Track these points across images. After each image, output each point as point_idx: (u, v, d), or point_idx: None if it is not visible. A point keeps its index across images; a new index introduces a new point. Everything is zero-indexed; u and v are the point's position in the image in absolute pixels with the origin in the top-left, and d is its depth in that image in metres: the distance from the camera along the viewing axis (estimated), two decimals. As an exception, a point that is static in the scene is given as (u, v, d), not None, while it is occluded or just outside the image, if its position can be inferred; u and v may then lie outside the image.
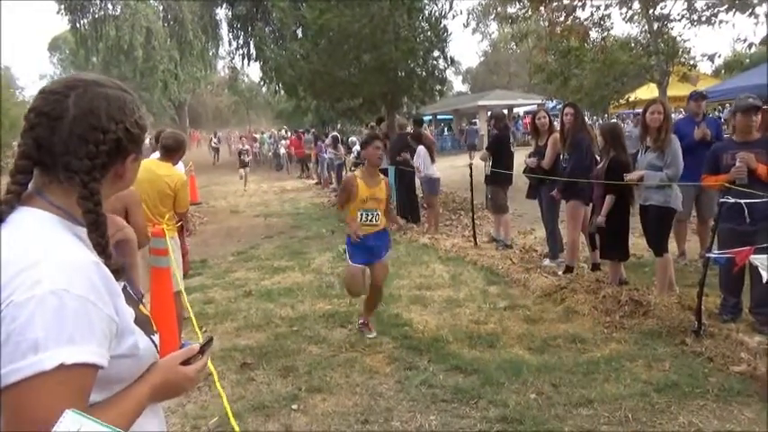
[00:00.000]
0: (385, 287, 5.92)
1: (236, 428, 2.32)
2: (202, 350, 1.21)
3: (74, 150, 1.02)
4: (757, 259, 3.91)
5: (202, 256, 8.15)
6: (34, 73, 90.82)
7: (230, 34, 27.66)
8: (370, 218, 4.45)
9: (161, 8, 35.41)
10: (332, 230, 9.72)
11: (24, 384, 0.85)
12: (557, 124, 7.02)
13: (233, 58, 31.22)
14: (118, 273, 1.06)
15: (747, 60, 22.34)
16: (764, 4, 11.09)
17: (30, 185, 1.05)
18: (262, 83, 28.31)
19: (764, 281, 3.95)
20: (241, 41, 26.84)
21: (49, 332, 0.86)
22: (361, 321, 4.79)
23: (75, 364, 0.87)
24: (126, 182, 1.17)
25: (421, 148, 8.83)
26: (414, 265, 6.85)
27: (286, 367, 4.11)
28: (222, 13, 28.10)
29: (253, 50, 25.98)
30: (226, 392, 3.72)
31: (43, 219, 1.02)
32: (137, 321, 1.07)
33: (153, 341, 1.13)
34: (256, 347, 4.50)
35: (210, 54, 37.64)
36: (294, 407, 3.53)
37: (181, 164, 6.85)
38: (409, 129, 10.87)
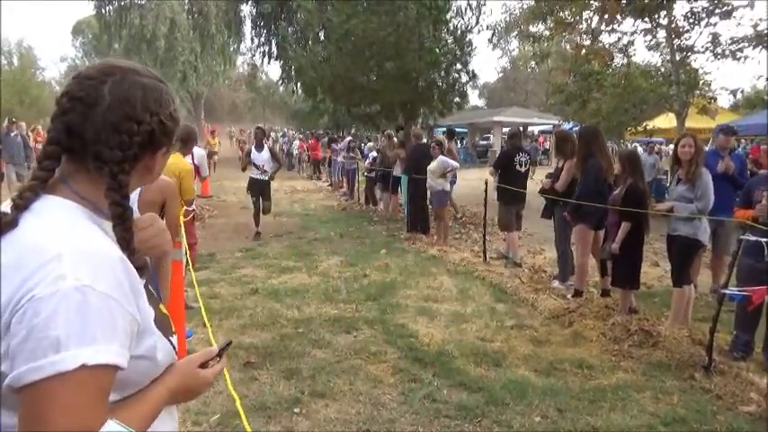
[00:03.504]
0: (392, 296, 5.95)
1: (248, 428, 2.29)
2: (220, 353, 1.20)
3: (105, 139, 0.98)
4: (774, 299, 3.88)
5: (210, 250, 8.15)
6: (56, 54, 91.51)
7: (253, 31, 27.90)
8: None
9: (186, 0, 35.70)
10: (341, 234, 9.71)
11: (44, 383, 0.82)
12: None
13: (254, 55, 31.49)
14: (141, 270, 1.03)
15: (765, 97, 22.29)
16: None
17: (56, 173, 1.01)
18: (280, 82, 28.49)
19: (780, 321, 3.93)
20: (263, 39, 27.04)
21: (72, 330, 0.84)
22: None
23: (96, 365, 0.85)
24: (154, 175, 1.14)
25: (443, 158, 8.82)
26: (422, 275, 6.82)
27: (290, 369, 4.08)
28: (247, 9, 28.33)
29: (274, 49, 26.15)
30: (229, 390, 3.71)
31: (68, 208, 0.99)
32: (156, 321, 1.05)
33: (171, 343, 1.10)
34: (261, 347, 4.48)
35: (231, 49, 37.84)
36: (296, 410, 3.50)
37: (203, 152, 7.01)
38: (425, 140, 10.89)
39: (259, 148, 9.11)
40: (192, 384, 1.13)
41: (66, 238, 0.91)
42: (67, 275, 0.86)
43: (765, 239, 4.01)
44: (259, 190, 9.02)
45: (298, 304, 5.63)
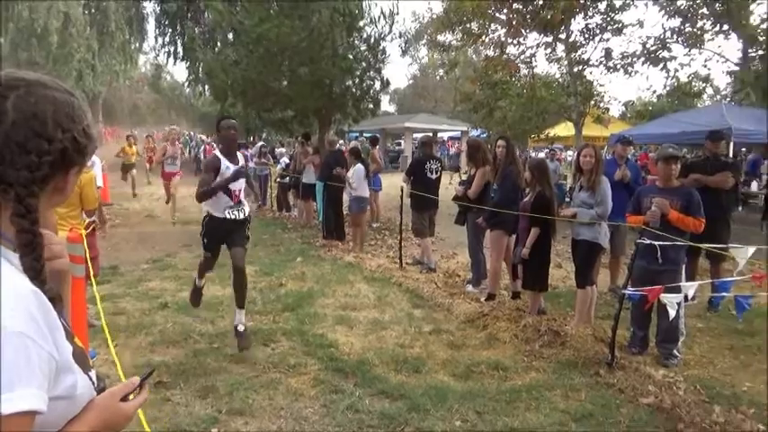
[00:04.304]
0: (310, 306, 5.86)
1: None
2: (141, 384, 1.13)
3: (10, 160, 0.89)
4: (666, 298, 4.21)
5: (112, 262, 7.66)
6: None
7: (157, 30, 26.60)
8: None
9: (83, -7, 33.53)
10: (254, 242, 9.46)
11: None
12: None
13: (158, 55, 30.20)
14: (53, 302, 0.95)
15: (650, 108, 24.32)
16: (675, 61, 12.13)
17: None
18: (187, 83, 27.43)
19: (671, 318, 4.27)
20: (168, 39, 25.87)
21: None
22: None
23: (12, 414, 0.78)
24: (65, 196, 1.05)
25: (360, 167, 8.84)
26: (339, 283, 6.79)
27: (205, 387, 3.91)
28: (150, 7, 27.07)
29: (180, 49, 25.13)
30: (137, 416, 3.49)
31: None
32: (74, 356, 0.97)
33: (90, 378, 1.02)
34: (173, 365, 4.26)
35: (133, 48, 35.99)
36: (214, 431, 3.36)
37: (97, 159, 6.49)
38: (338, 146, 10.90)
39: (232, 157, 4.73)
40: (113, 420, 1.05)
41: None
42: None
43: (658, 243, 4.34)
44: (225, 235, 4.78)
45: (211, 318, 5.42)
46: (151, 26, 28.21)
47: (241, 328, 4.62)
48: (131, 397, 1.11)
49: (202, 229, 4.89)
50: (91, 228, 5.17)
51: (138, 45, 34.96)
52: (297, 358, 4.49)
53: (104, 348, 4.53)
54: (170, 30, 25.36)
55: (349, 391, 3.94)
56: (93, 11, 32.60)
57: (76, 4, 33.32)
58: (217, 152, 4.80)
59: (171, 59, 26.46)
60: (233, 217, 4.66)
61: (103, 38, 33.63)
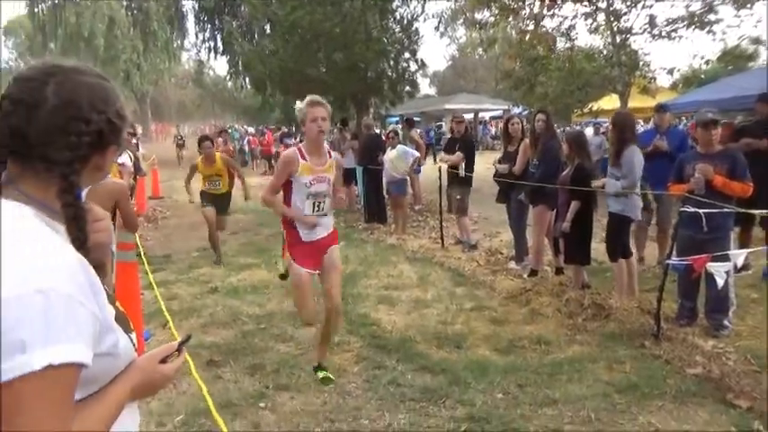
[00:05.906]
0: (353, 286, 5.97)
1: (220, 421, 2.29)
2: (179, 348, 1.22)
3: (53, 141, 0.98)
4: (713, 267, 4.09)
5: (165, 251, 8.00)
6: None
7: (197, 26, 27.22)
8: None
9: (124, -3, 34.55)
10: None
11: (14, 384, 0.83)
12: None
13: (199, 51, 30.88)
14: (96, 269, 1.04)
15: (702, 76, 23.24)
16: (722, 23, 11.56)
17: (2, 175, 1.01)
18: (228, 77, 27.98)
19: (719, 287, 4.15)
20: (208, 34, 26.44)
21: (37, 332, 0.85)
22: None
23: (62, 364, 0.86)
24: (104, 174, 1.15)
25: (403, 147, 8.93)
26: (381, 264, 6.87)
27: (253, 365, 4.07)
28: (189, 4, 27.67)
29: (220, 44, 25.65)
30: (192, 390, 3.68)
31: (20, 211, 0.98)
32: (116, 319, 1.06)
33: (131, 339, 1.11)
34: (223, 345, 4.45)
35: (175, 46, 36.93)
36: (262, 405, 3.50)
37: (127, 157, 6.71)
38: (376, 129, 10.95)
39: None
40: (154, 379, 1.15)
41: (23, 242, 0.92)
42: (29, 278, 0.87)
43: (703, 210, 4.21)
44: None
45: (259, 301, 5.60)
46: (191, 23, 28.89)
47: None
48: (171, 360, 1.20)
49: None
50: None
51: (179, 42, 35.85)
52: (340, 336, 4.60)
53: (159, 330, 4.78)
54: (209, 25, 25.90)
55: (391, 367, 4.03)
56: (135, 12, 33.55)
57: (119, 6, 34.37)
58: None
59: (212, 54, 27.08)
60: None
61: (147, 38, 34.65)
